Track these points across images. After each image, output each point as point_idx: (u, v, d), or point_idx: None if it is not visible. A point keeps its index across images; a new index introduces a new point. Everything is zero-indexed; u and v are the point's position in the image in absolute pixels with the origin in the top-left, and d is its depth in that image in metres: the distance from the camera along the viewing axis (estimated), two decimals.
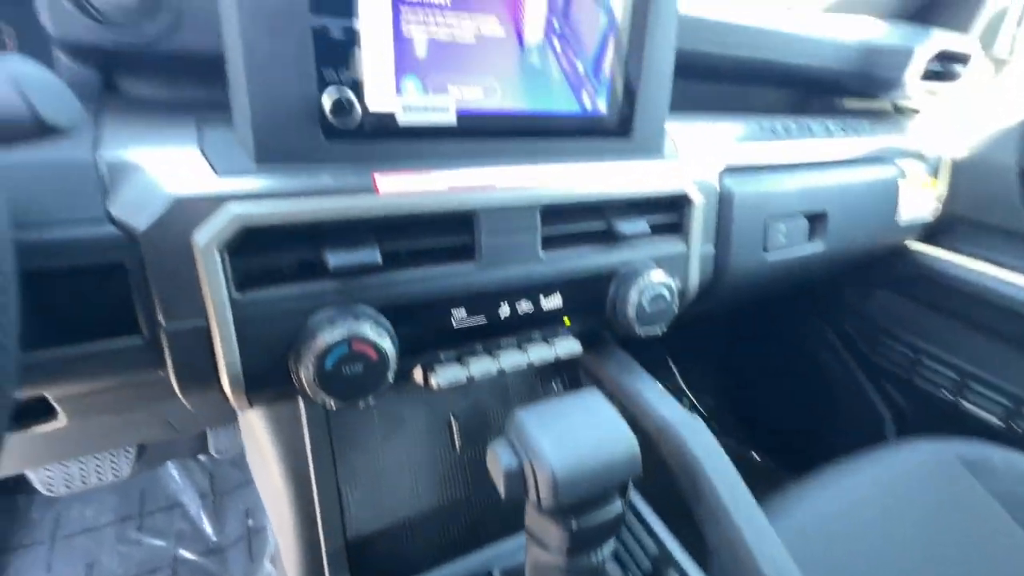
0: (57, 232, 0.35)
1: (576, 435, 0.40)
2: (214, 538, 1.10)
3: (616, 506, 0.41)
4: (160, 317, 0.39)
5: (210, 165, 0.40)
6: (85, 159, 0.37)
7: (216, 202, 0.39)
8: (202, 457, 1.18)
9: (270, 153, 0.41)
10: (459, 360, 0.54)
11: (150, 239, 0.37)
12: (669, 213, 0.62)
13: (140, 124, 0.41)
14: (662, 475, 0.56)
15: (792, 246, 0.76)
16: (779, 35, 0.83)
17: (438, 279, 0.48)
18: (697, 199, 0.62)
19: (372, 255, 0.44)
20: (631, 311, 0.57)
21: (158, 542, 1.08)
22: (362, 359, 0.43)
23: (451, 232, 0.49)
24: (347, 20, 0.40)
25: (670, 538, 0.55)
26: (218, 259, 0.39)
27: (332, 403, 0.43)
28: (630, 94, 0.55)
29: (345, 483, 0.62)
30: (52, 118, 0.27)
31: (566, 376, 0.74)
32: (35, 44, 0.41)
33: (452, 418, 0.67)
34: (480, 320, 0.52)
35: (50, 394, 0.43)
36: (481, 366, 0.54)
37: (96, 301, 0.38)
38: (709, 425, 0.57)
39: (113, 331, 0.39)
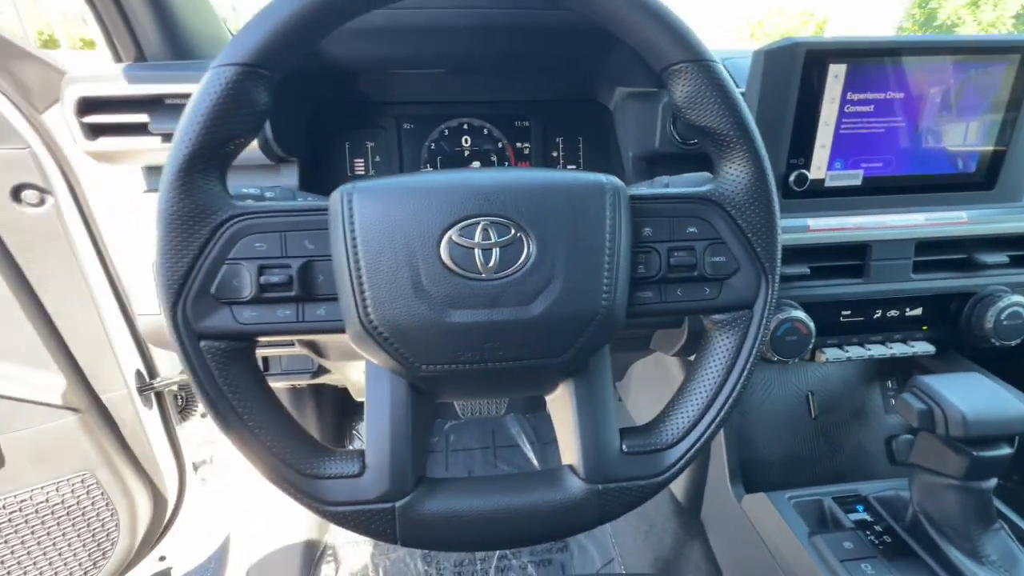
0: None
1: (973, 393, 0.60)
2: None
3: (1005, 450, 0.58)
4: None
5: None
6: None
7: None
8: (528, 415, 1.60)
9: None
10: (839, 346, 0.77)
11: None
12: None
13: None
14: None
15: None
16: None
17: (839, 288, 0.72)
18: None
19: (802, 269, 0.70)
20: (988, 324, 0.73)
21: (506, 468, 1.51)
22: (796, 332, 0.69)
23: (852, 257, 0.72)
24: (811, 131, 0.68)
25: None
26: None
27: (776, 357, 0.70)
28: (997, 157, 0.72)
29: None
30: None
31: (902, 380, 0.91)
32: None
33: (810, 393, 0.90)
34: (859, 319, 0.74)
35: None
36: (856, 351, 0.76)
37: None
38: None
39: None
